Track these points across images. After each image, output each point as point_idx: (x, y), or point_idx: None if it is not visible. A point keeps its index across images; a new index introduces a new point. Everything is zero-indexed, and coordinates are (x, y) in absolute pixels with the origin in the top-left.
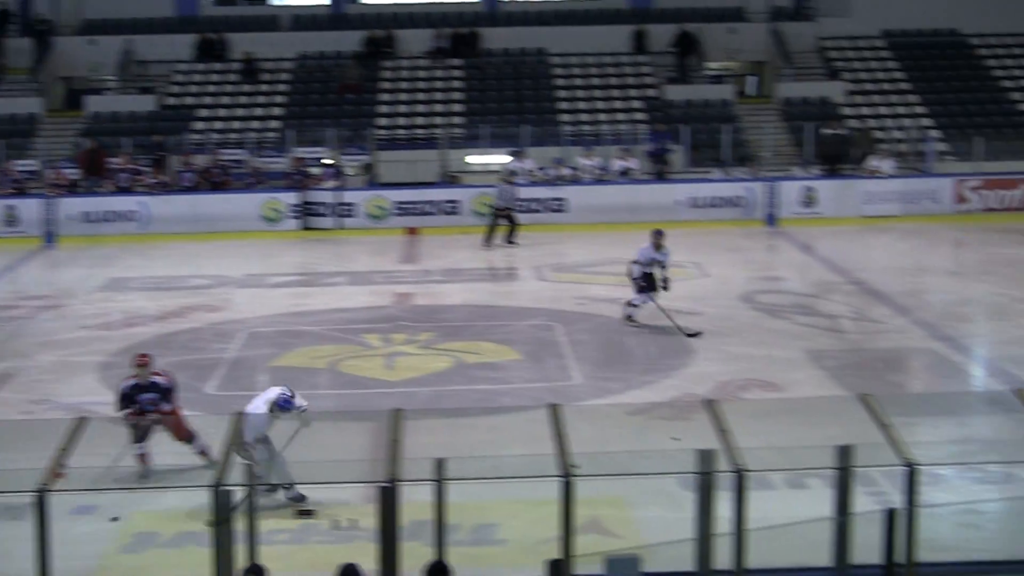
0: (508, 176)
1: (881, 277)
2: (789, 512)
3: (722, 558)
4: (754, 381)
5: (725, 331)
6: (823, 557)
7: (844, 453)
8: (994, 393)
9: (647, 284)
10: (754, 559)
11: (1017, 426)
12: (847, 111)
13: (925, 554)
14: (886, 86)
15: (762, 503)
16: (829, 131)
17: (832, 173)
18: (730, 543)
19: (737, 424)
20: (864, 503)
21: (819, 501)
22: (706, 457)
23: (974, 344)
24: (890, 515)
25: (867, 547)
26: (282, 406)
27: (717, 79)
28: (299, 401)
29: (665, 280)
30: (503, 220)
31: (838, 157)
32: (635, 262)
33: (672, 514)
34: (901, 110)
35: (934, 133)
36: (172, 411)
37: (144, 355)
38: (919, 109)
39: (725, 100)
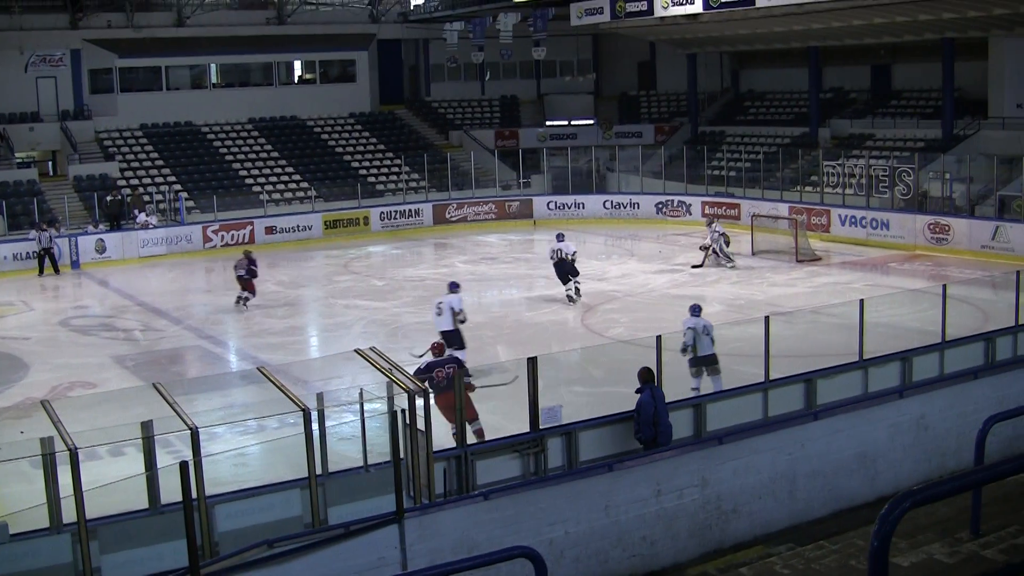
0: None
1: (159, 299)
2: (114, 473)
3: (68, 514)
4: (77, 383)
5: (50, 349)
6: (143, 501)
7: (146, 426)
8: (245, 371)
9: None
10: (92, 511)
11: (262, 391)
12: (121, 183)
13: (211, 488)
14: (147, 163)
15: (94, 469)
16: (110, 198)
17: (115, 228)
18: (73, 502)
19: (68, 415)
20: (166, 460)
21: (135, 463)
22: (47, 442)
23: (228, 339)
24: (184, 465)
25: (173, 490)
26: None
27: (24, 164)
28: None
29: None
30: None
31: (118, 216)
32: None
33: (28, 487)
34: (160, 179)
35: (184, 194)
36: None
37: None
38: (172, 178)
39: (32, 180)
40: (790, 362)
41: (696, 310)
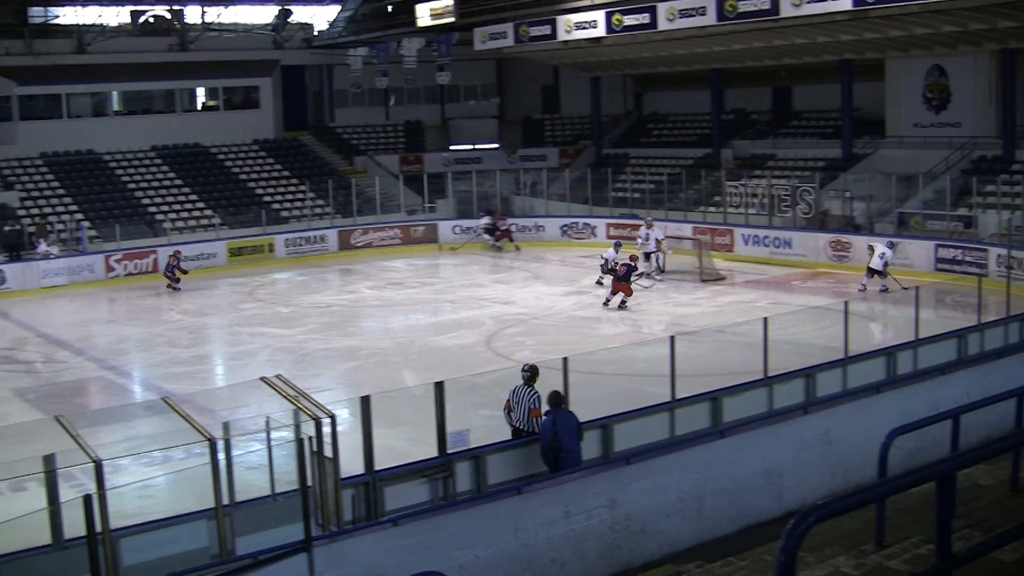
0: None
1: (61, 330)
2: (16, 509)
3: None
4: None
5: None
6: (46, 537)
7: (49, 460)
8: (150, 402)
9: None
10: None
11: (167, 422)
12: (22, 212)
13: (116, 522)
14: (48, 192)
15: None
16: (8, 228)
17: (14, 258)
18: None
19: None
20: (69, 493)
21: (37, 497)
22: None
23: (132, 370)
24: (88, 499)
25: (77, 525)
26: None
27: None
28: None
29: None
30: None
31: (17, 246)
32: None
33: None
34: (61, 209)
35: (86, 223)
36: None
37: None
38: (73, 207)
39: None
40: (696, 381)
41: (890, 245)
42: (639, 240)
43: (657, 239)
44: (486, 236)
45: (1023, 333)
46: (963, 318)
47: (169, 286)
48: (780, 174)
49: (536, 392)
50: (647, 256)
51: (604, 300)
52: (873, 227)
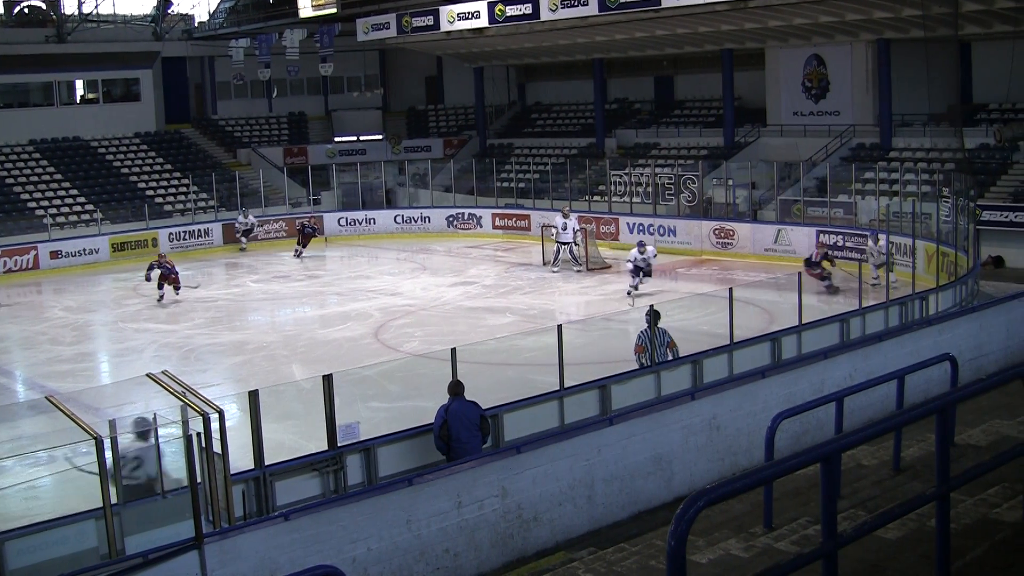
0: None
1: None
2: None
3: None
4: None
5: None
6: None
7: None
8: (33, 401)
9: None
10: None
11: (52, 421)
12: None
13: (1, 524)
14: None
15: None
16: None
17: None
18: None
19: None
20: None
21: None
22: None
23: (14, 368)
24: None
25: None
26: None
27: None
28: None
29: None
30: None
31: None
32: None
33: None
34: None
35: None
36: None
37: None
38: None
39: None
40: (584, 369)
41: (874, 234)
42: (554, 231)
43: (575, 229)
44: (243, 239)
45: (902, 316)
46: (845, 302)
47: (177, 289)
48: (664, 163)
49: (666, 330)
50: (563, 245)
51: (825, 286)
52: (756, 214)
